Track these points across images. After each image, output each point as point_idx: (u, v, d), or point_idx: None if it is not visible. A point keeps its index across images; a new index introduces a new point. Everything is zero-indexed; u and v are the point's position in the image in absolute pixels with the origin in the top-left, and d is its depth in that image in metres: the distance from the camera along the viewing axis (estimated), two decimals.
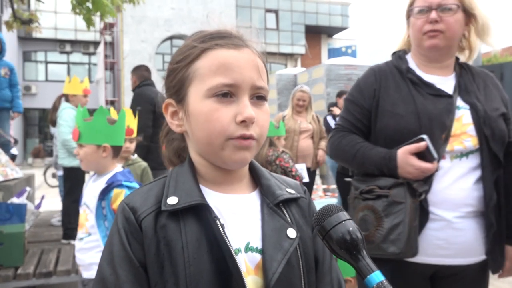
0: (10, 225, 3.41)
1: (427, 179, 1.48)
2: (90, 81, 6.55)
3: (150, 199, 0.80)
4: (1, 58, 5.31)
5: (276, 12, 25.71)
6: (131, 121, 3.07)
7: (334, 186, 5.83)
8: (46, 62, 23.88)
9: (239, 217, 0.81)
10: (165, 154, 0.93)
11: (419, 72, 1.61)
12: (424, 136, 1.46)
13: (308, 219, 0.88)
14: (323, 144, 4.78)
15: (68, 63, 24.24)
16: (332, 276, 0.89)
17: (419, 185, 1.47)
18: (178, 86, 0.82)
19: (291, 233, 0.81)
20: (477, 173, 1.50)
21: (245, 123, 0.77)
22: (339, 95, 6.17)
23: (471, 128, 1.51)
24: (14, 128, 6.40)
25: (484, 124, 1.49)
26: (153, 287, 0.75)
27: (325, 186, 6.27)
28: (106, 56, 21.13)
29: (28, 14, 8.02)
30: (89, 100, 4.53)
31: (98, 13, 5.37)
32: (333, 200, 5.60)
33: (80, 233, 2.09)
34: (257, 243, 0.79)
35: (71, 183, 4.31)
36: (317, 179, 6.46)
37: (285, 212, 0.85)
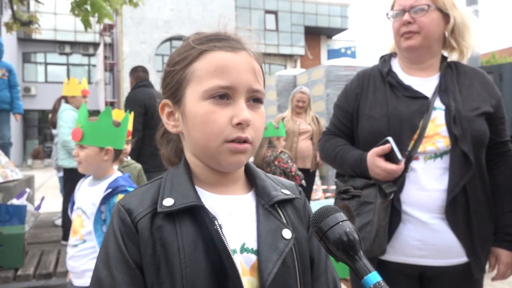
0: (10, 227, 3.41)
1: (397, 180, 1.51)
2: (90, 83, 6.55)
3: (146, 200, 0.80)
4: None
5: (275, 13, 25.72)
6: (129, 123, 3.08)
7: (334, 187, 5.82)
8: (46, 64, 23.90)
9: (234, 218, 0.81)
10: (163, 155, 0.94)
11: (401, 75, 1.63)
12: (389, 138, 1.49)
13: (304, 219, 0.89)
14: None
15: (67, 64, 24.25)
16: (327, 276, 0.89)
17: (387, 186, 1.50)
18: (175, 87, 0.83)
19: (287, 233, 0.81)
20: None
21: (241, 125, 0.77)
22: None
23: (443, 129, 1.50)
24: (13, 129, 6.39)
25: (454, 124, 1.48)
26: None
27: (325, 187, 6.27)
28: (105, 58, 21.15)
29: (28, 16, 8.01)
30: (89, 101, 4.53)
31: (96, 15, 5.37)
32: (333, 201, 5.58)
33: (74, 239, 1.99)
34: (253, 244, 0.80)
35: (72, 184, 4.29)
36: (317, 180, 6.46)
37: (281, 213, 0.85)
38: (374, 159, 1.52)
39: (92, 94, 16.55)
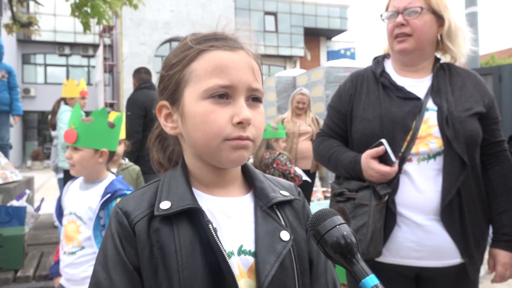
0: (9, 228, 3.41)
1: (391, 182, 1.51)
2: (89, 84, 6.56)
3: (143, 203, 0.80)
4: None
5: (275, 14, 25.73)
6: (122, 124, 3.05)
7: None
8: (45, 65, 23.87)
9: (232, 220, 0.81)
10: (154, 157, 0.93)
11: (394, 76, 1.64)
12: (383, 140, 1.49)
13: (303, 220, 0.88)
14: None
15: (67, 65, 24.23)
16: (327, 277, 0.89)
17: (381, 188, 1.51)
18: (173, 88, 0.82)
19: (285, 235, 0.81)
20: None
21: (241, 124, 0.77)
22: None
23: (436, 130, 1.51)
24: (13, 131, 6.37)
25: (446, 125, 1.49)
26: None
27: (324, 189, 6.27)
28: (105, 59, 21.14)
29: (28, 17, 8.03)
30: (88, 103, 4.55)
31: (96, 18, 5.39)
32: None
33: (70, 247, 1.88)
34: (250, 246, 0.80)
35: None
36: (317, 181, 6.46)
37: (279, 215, 0.85)
38: (368, 161, 1.52)
39: (92, 95, 16.56)
